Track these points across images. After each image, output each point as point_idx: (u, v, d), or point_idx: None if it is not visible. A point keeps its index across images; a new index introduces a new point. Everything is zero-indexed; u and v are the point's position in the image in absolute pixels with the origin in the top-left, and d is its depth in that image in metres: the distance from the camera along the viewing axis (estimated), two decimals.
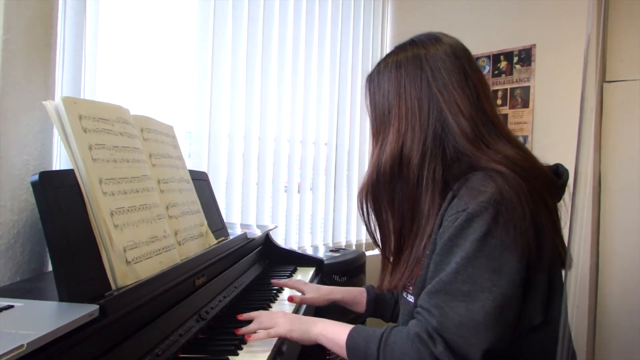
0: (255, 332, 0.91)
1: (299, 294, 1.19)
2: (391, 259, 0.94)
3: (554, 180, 0.88)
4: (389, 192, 0.90)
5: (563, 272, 0.85)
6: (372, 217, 0.95)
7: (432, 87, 0.87)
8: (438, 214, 0.83)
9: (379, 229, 0.95)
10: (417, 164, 0.86)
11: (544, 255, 0.79)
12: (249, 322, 0.95)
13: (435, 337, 0.74)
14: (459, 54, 0.90)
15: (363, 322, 2.10)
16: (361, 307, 1.18)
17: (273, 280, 1.31)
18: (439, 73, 0.88)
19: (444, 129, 0.86)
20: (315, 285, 1.23)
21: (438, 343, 0.73)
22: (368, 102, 0.97)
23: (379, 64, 0.96)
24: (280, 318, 0.92)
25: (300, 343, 0.92)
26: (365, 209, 0.95)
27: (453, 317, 0.73)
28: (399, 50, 0.94)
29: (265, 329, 0.90)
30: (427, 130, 0.86)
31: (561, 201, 0.88)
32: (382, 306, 1.19)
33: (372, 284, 1.23)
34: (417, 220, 0.87)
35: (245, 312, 0.99)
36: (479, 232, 0.75)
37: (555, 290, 0.82)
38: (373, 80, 0.96)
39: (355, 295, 1.19)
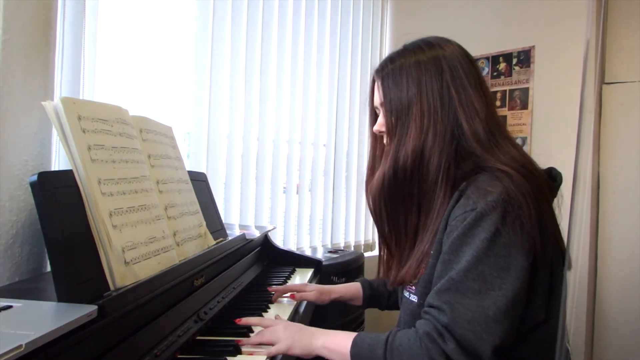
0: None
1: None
2: (401, 253, 0.94)
3: (549, 182, 0.90)
4: (408, 188, 0.90)
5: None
6: (385, 213, 0.94)
7: (450, 87, 0.89)
8: (445, 212, 0.84)
9: (393, 224, 0.94)
10: (437, 161, 0.87)
11: (547, 252, 0.81)
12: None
13: (445, 335, 0.74)
14: (471, 58, 0.94)
15: (361, 324, 2.11)
16: (359, 301, 1.25)
17: (273, 288, 1.24)
18: (457, 73, 0.89)
19: (458, 128, 0.88)
20: (315, 285, 1.25)
21: (449, 340, 0.73)
22: (382, 98, 0.94)
23: (393, 61, 0.94)
24: (281, 332, 0.88)
25: (301, 357, 0.89)
26: (378, 205, 0.94)
27: (465, 313, 0.74)
28: (416, 49, 0.94)
29: (267, 343, 0.88)
30: (447, 128, 0.88)
31: (553, 203, 0.90)
32: (377, 298, 1.25)
33: (365, 278, 1.30)
34: (430, 216, 0.88)
35: (244, 314, 0.99)
36: (488, 231, 0.76)
37: (556, 288, 0.83)
38: (387, 76, 0.93)
39: (353, 292, 1.25)
